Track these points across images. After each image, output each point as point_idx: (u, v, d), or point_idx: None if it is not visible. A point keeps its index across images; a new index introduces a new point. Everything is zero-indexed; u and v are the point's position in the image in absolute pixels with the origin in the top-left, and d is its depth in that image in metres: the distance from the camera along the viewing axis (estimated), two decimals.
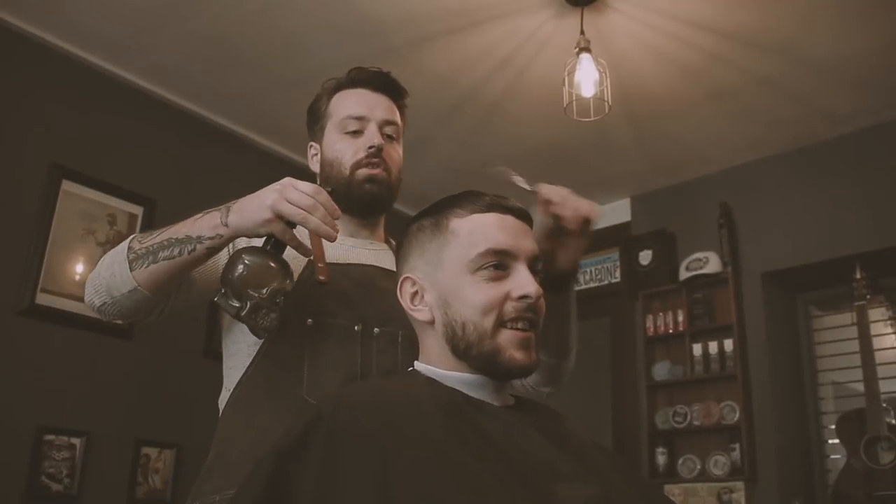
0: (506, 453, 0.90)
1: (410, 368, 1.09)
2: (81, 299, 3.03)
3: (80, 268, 3.08)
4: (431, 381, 1.02)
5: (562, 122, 3.09)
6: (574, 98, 2.80)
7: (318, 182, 1.45)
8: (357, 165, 1.37)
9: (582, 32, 2.83)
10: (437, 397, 0.96)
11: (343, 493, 0.83)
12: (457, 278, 1.02)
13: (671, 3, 2.87)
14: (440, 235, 1.06)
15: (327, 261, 1.32)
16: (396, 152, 1.43)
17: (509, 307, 1.01)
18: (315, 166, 1.47)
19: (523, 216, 1.09)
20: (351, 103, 1.42)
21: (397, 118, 1.46)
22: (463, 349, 1.01)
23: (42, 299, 2.94)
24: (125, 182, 3.30)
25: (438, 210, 1.10)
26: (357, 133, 1.40)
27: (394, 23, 3.02)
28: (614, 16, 2.94)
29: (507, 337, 1.00)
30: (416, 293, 1.06)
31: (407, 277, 1.07)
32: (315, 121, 1.47)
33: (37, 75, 3.12)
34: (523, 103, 3.53)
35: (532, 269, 1.05)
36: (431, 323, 1.04)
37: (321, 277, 1.28)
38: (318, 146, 1.46)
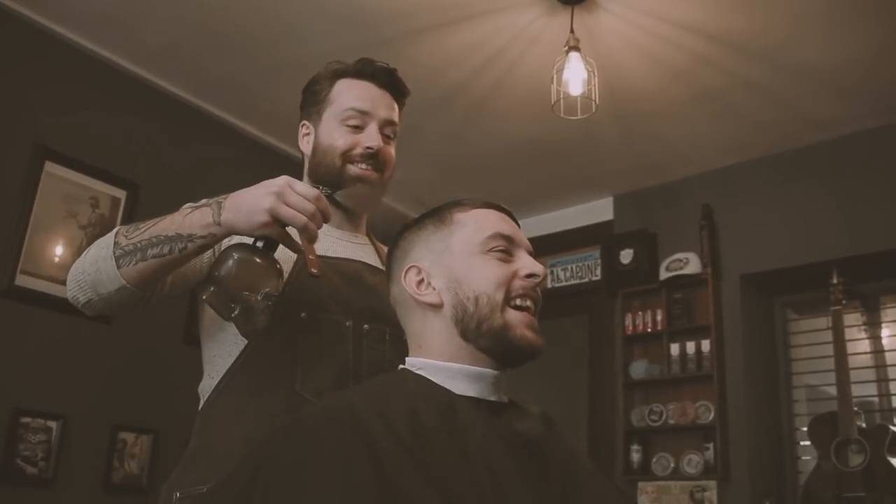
0: (476, 478, 0.90)
1: (401, 367, 1.09)
2: (61, 282, 3.03)
3: (60, 250, 3.07)
4: (420, 382, 1.02)
5: (548, 119, 3.11)
6: (562, 96, 2.81)
7: (306, 167, 1.45)
8: (348, 159, 1.36)
9: (572, 31, 2.84)
10: (419, 413, 0.95)
11: None
12: (468, 259, 1.06)
13: (661, 4, 2.89)
14: (444, 228, 1.09)
15: (316, 253, 1.31)
16: (391, 152, 1.42)
17: (517, 284, 1.05)
18: (305, 146, 1.45)
19: (515, 219, 1.15)
20: (355, 96, 1.39)
21: (397, 118, 1.45)
22: (474, 326, 1.03)
23: (21, 281, 2.92)
24: (109, 165, 3.28)
25: (437, 210, 1.13)
26: (357, 129, 1.38)
27: (386, 13, 3.01)
28: (604, 15, 2.96)
29: (514, 315, 1.04)
30: (421, 280, 1.07)
31: (412, 266, 1.08)
32: (313, 102, 1.44)
33: (23, 55, 3.09)
34: (511, 99, 3.54)
35: None
36: (439, 307, 1.05)
37: (313, 270, 1.28)
38: (311, 127, 1.44)
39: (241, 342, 1.26)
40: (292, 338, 1.25)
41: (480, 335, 1.02)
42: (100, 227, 3.20)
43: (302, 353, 1.24)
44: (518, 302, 1.04)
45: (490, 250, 1.06)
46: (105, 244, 1.18)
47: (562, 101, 2.82)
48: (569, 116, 2.88)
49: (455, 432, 0.93)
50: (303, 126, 1.46)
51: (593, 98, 2.81)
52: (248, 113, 3.79)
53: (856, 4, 2.84)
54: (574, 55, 2.79)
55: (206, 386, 1.31)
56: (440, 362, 1.03)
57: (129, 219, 3.29)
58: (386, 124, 1.41)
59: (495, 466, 0.91)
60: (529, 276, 1.05)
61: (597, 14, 2.95)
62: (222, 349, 1.30)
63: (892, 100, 3.40)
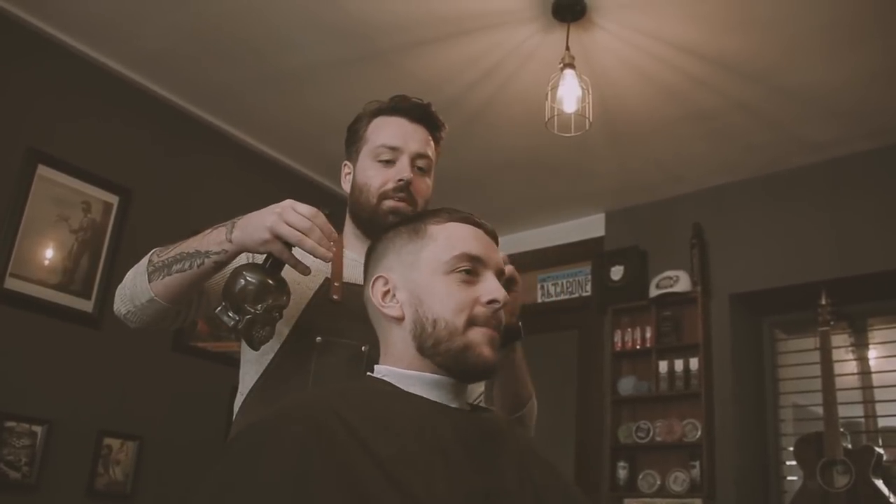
0: (455, 472, 0.93)
1: (369, 374, 1.11)
2: (51, 286, 3.03)
3: (50, 254, 3.05)
4: (379, 384, 1.06)
5: (541, 135, 3.12)
6: (556, 113, 2.82)
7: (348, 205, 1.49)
8: (384, 196, 1.40)
9: (567, 48, 2.85)
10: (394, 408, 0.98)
11: None
12: (431, 277, 1.07)
13: (657, 24, 2.91)
14: (417, 239, 1.10)
15: (344, 280, 1.37)
16: (425, 184, 1.45)
17: (479, 311, 1.06)
18: (346, 185, 1.49)
19: (492, 234, 1.15)
20: (387, 133, 1.43)
21: (431, 151, 1.47)
22: (430, 345, 1.04)
23: (11, 284, 2.91)
24: (102, 170, 3.28)
25: (415, 219, 1.15)
26: (389, 163, 1.41)
27: (381, 26, 3.03)
28: (600, 34, 2.98)
29: (477, 333, 1.05)
30: (387, 292, 1.09)
31: (380, 276, 1.10)
32: (352, 142, 1.49)
33: (18, 58, 3.09)
34: (505, 114, 3.55)
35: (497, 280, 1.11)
36: (400, 320, 1.07)
37: (335, 297, 1.34)
38: (351, 167, 1.48)
39: (264, 362, 1.33)
40: (307, 361, 1.30)
41: (437, 353, 1.05)
42: (91, 232, 3.19)
43: (315, 375, 1.30)
44: (480, 324, 1.06)
45: (454, 271, 1.07)
46: (143, 262, 1.31)
47: (556, 117, 2.83)
48: (562, 133, 2.89)
49: (410, 419, 0.96)
50: (344, 166, 1.51)
51: (587, 115, 2.82)
52: (242, 121, 3.80)
53: (849, 29, 2.87)
54: (569, 72, 2.80)
55: (237, 402, 1.37)
56: (402, 370, 1.06)
57: (120, 224, 3.29)
58: (417, 157, 1.44)
59: (448, 452, 0.94)
60: (490, 301, 1.06)
61: (592, 32, 2.97)
62: (251, 368, 1.36)
63: (883, 123, 3.44)
